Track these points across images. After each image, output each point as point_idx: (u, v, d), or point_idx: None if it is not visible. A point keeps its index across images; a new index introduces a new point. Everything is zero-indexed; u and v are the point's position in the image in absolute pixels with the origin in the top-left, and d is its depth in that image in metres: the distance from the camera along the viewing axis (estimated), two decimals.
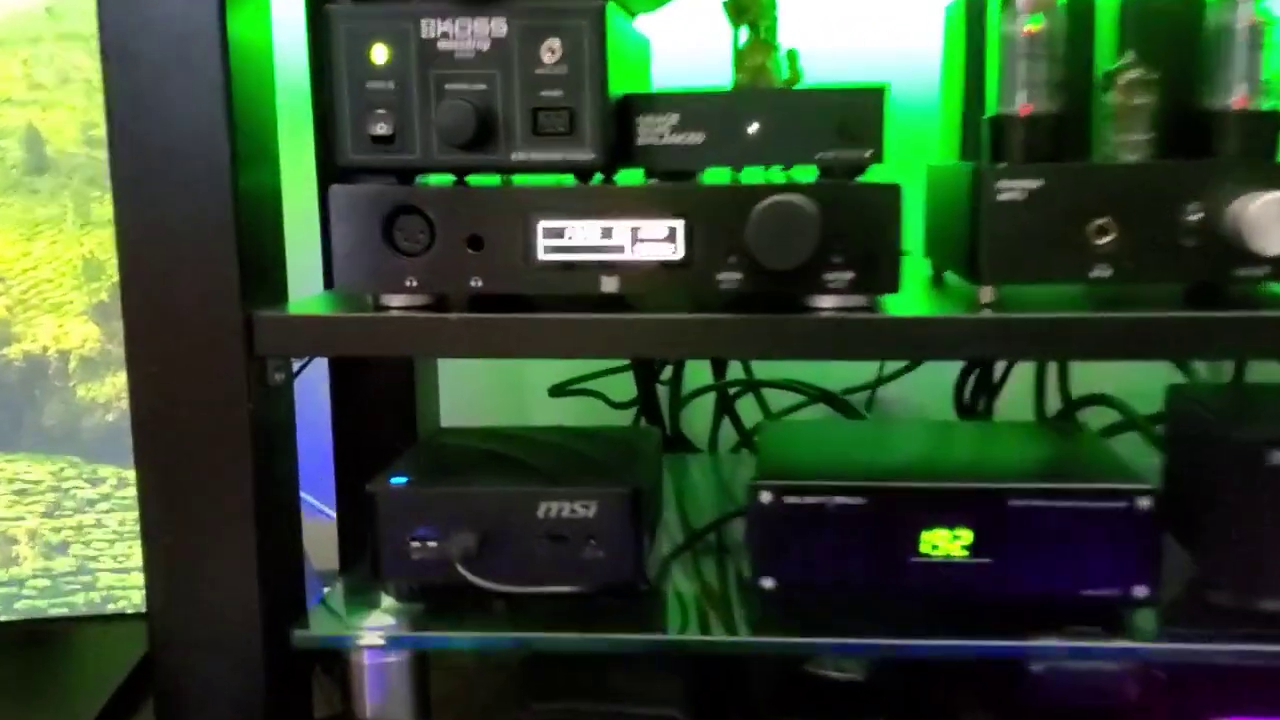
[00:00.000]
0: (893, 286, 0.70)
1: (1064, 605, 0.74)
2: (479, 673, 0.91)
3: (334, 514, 1.07)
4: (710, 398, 1.17)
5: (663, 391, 1.17)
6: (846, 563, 0.75)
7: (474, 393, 1.24)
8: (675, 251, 0.70)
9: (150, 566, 0.76)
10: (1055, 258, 0.70)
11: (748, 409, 1.17)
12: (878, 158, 0.70)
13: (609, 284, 0.71)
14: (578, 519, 0.75)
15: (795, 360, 0.70)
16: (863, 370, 1.15)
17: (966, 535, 0.74)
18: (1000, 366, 1.11)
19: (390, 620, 0.78)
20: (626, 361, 1.15)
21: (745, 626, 0.76)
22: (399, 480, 0.78)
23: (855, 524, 0.74)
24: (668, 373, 1.16)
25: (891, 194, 0.69)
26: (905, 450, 0.88)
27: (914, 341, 0.69)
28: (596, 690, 0.82)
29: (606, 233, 0.71)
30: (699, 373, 1.16)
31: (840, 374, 1.15)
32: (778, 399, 1.16)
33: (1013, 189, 0.69)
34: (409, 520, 0.76)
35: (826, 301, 0.71)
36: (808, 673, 0.85)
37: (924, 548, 0.74)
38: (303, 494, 1.23)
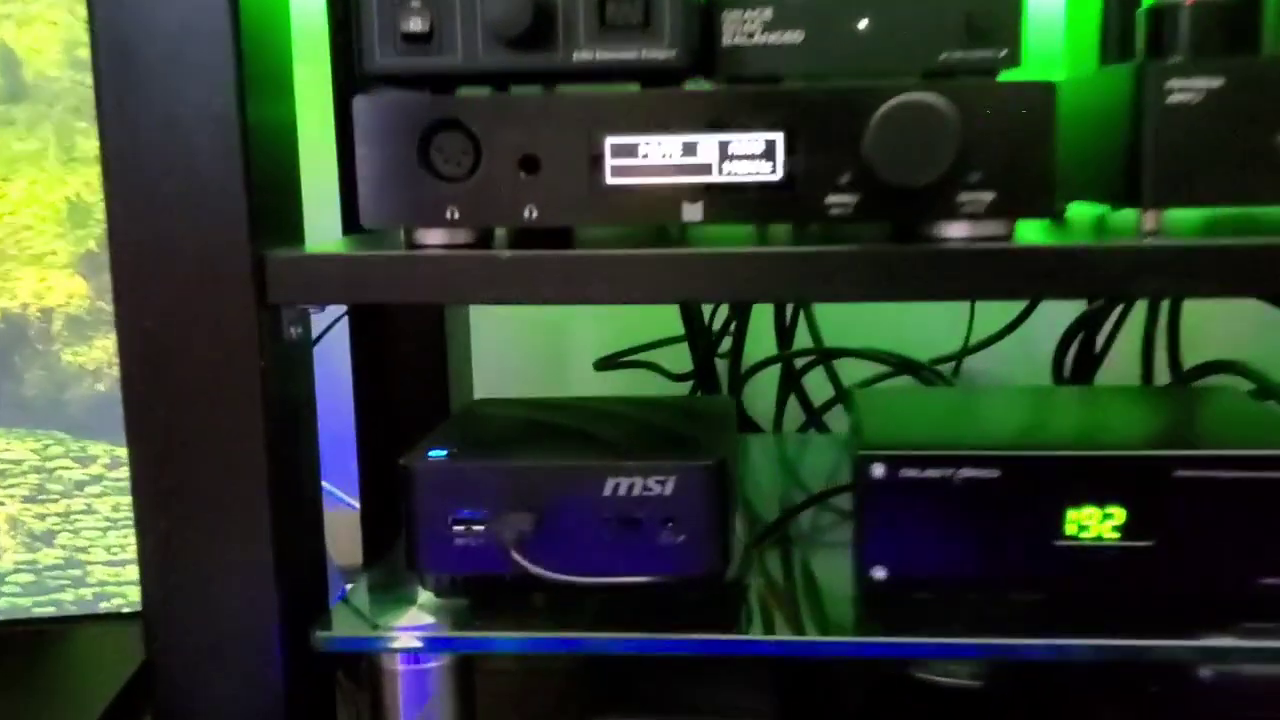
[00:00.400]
0: (1044, 209, 0.57)
1: (1238, 598, 0.62)
2: (530, 680, 0.79)
3: (357, 504, 0.95)
4: (774, 373, 1.05)
5: (721, 366, 1.05)
6: (974, 548, 0.63)
7: (507, 368, 1.12)
8: (774, 170, 0.58)
9: (145, 559, 0.64)
10: (1237, 174, 0.57)
11: (816, 384, 1.05)
12: (1014, 60, 0.58)
13: (692, 211, 0.59)
14: (651, 497, 0.63)
15: (922, 301, 0.57)
16: (940, 339, 1.02)
17: (1119, 514, 0.61)
18: (1105, 332, 0.99)
19: (428, 619, 0.66)
20: (680, 331, 1.03)
21: (845, 626, 0.64)
22: (438, 453, 0.65)
23: (986, 501, 0.62)
24: (726, 344, 1.03)
25: (1045, 96, 0.56)
26: (1030, 418, 0.75)
27: (1082, 274, 0.56)
28: (668, 701, 0.69)
29: (689, 149, 0.59)
30: (759, 342, 1.04)
31: (916, 343, 1.02)
32: (851, 372, 1.03)
33: (1187, 90, 0.57)
34: (451, 499, 0.64)
35: (955, 230, 0.58)
36: (915, 679, 0.72)
37: (1069, 529, 0.62)
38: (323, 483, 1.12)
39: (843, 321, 1.03)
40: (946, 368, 1.03)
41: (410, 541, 0.65)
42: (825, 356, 1.02)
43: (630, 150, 0.59)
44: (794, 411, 1.06)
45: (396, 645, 0.64)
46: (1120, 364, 1.00)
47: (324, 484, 1.13)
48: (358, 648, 0.65)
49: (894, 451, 0.62)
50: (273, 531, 0.63)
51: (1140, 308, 0.99)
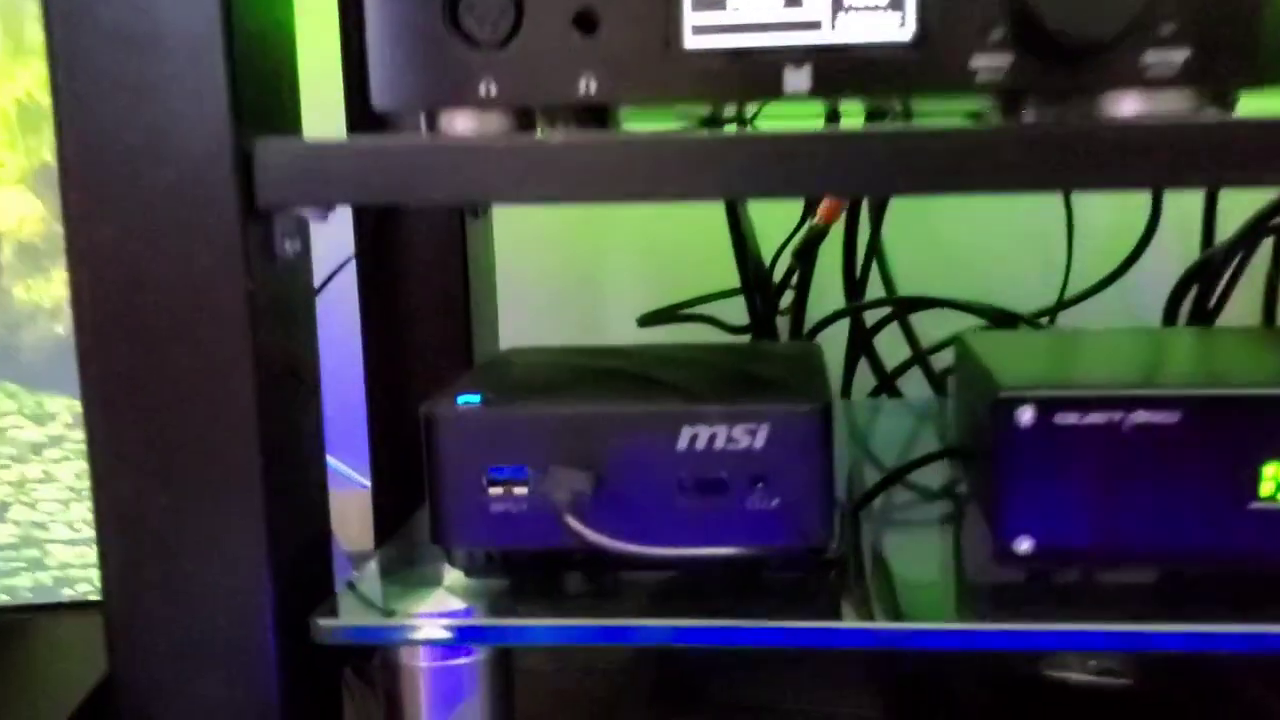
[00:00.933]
0: (1249, 75, 0.45)
1: None
2: (582, 683, 0.66)
3: (367, 482, 0.83)
4: (841, 331, 0.92)
5: (781, 325, 0.92)
6: (1145, 513, 0.50)
7: (537, 327, 0.99)
8: (903, 26, 0.45)
9: (104, 535, 0.52)
10: None
11: (887, 345, 0.92)
12: None
13: (796, 80, 0.46)
14: (738, 452, 0.50)
15: (1104, 189, 0.44)
16: (1026, 292, 0.90)
17: None
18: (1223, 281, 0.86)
19: (457, 604, 0.53)
20: (732, 283, 0.90)
21: (972, 611, 0.51)
22: (469, 399, 0.53)
23: (1163, 454, 0.49)
24: (787, 299, 0.90)
25: None
26: (1194, 358, 0.62)
27: None
28: (753, 706, 0.56)
29: (793, 0, 0.46)
30: (825, 296, 0.91)
31: (999, 296, 0.89)
32: (928, 331, 0.90)
33: None
34: (486, 454, 0.51)
35: (1129, 106, 0.46)
36: (1046, 677, 0.60)
37: (1265, 489, 0.49)
38: (331, 458, 0.99)
39: (914, 274, 0.91)
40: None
41: (434, 509, 0.52)
42: (905, 308, 0.89)
43: (716, 2, 0.46)
44: (862, 378, 0.93)
45: (418, 636, 0.51)
46: (1238, 319, 0.88)
47: (333, 460, 1.01)
48: (369, 639, 0.52)
49: (1047, 392, 0.50)
50: (264, 499, 0.51)
51: (1264, 253, 0.86)
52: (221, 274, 0.49)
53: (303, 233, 0.54)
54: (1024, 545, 0.50)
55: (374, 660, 0.57)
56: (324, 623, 0.52)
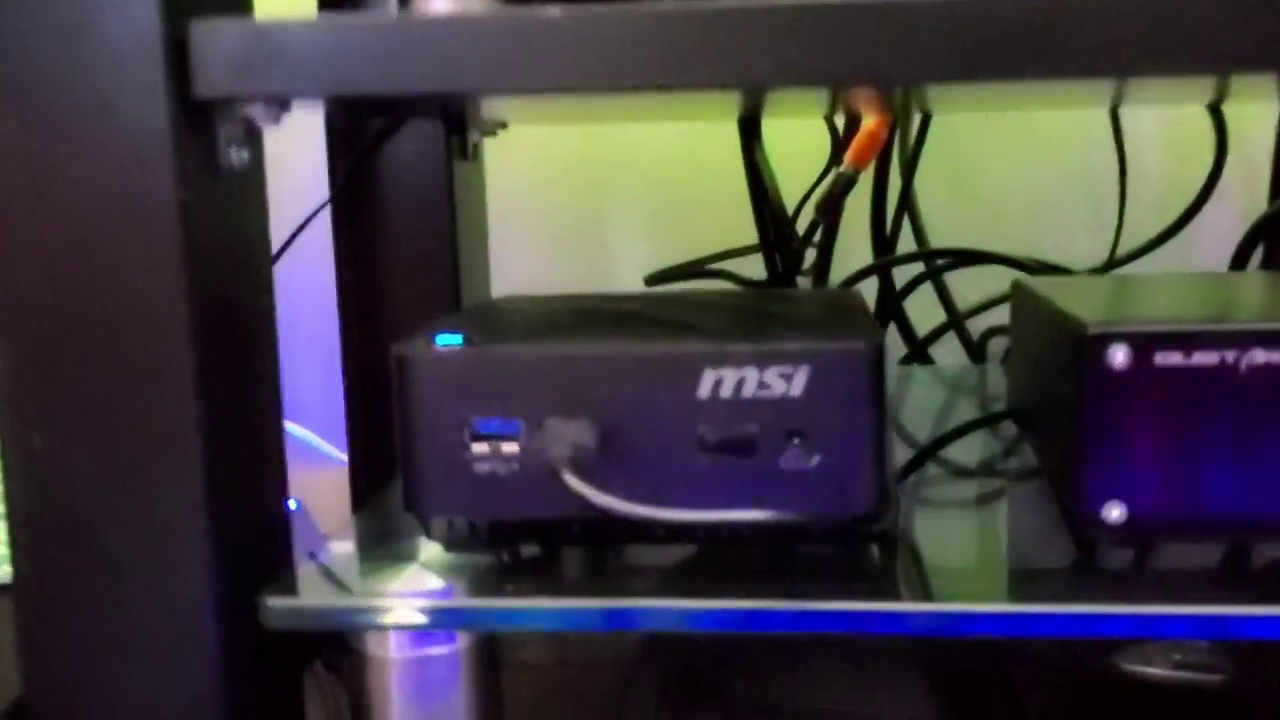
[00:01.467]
0: None
1: None
2: (582, 675, 0.57)
3: (345, 457, 0.75)
4: (868, 293, 0.83)
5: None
6: (1261, 473, 0.41)
7: (527, 282, 0.90)
8: None
9: (13, 501, 0.43)
10: None
11: (919, 312, 0.83)
12: None
13: None
14: (771, 400, 0.42)
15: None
16: (1075, 249, 0.81)
17: None
18: None
19: (435, 582, 0.44)
20: (754, 240, 0.81)
21: (1040, 592, 0.43)
22: (449, 339, 0.44)
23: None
24: (810, 258, 0.82)
25: None
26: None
27: None
28: (781, 703, 0.48)
29: None
30: (847, 254, 0.82)
31: (1040, 250, 0.81)
32: (964, 293, 0.82)
33: None
34: (470, 404, 0.43)
35: None
36: (1123, 672, 0.51)
37: None
38: (301, 429, 0.91)
39: (950, 229, 0.82)
40: None
41: (408, 471, 0.44)
42: (947, 261, 0.80)
43: None
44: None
45: (388, 619, 0.43)
46: None
47: (307, 434, 0.93)
48: (329, 623, 0.43)
49: (1145, 328, 0.41)
50: (203, 460, 0.42)
51: None
52: (150, 184, 0.41)
53: (254, 143, 0.45)
54: (1114, 513, 0.42)
55: (345, 654, 0.48)
56: (275, 603, 0.43)
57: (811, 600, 0.41)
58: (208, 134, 0.42)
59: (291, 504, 0.73)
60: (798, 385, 0.42)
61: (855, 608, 0.41)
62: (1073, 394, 0.42)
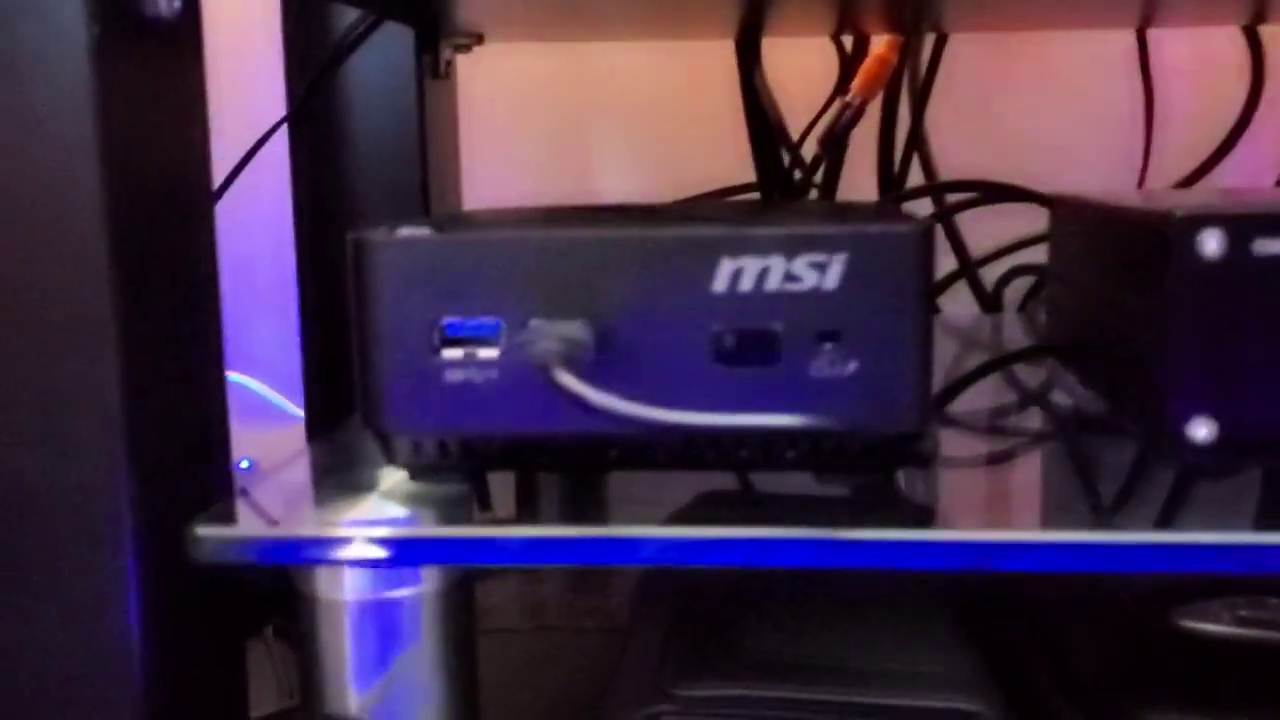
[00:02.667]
0: None
1: None
2: (568, 643, 0.50)
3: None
4: None
5: None
6: None
7: None
8: None
9: None
10: None
11: None
12: None
13: None
14: (801, 294, 0.35)
15: None
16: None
17: None
18: None
19: (397, 511, 0.38)
20: (751, 177, 0.75)
21: (1091, 522, 0.36)
22: (414, 230, 0.37)
23: None
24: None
25: None
26: None
27: None
28: (803, 659, 0.41)
29: None
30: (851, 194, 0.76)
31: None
32: (975, 239, 0.76)
33: None
34: (439, 301, 0.36)
35: None
36: (1180, 628, 0.45)
37: None
38: (256, 383, 0.84)
39: (963, 168, 0.76)
40: None
41: (366, 382, 0.37)
42: (946, 194, 0.74)
43: None
44: None
45: (340, 553, 0.36)
46: None
47: (266, 390, 0.86)
48: (270, 558, 0.36)
49: (1244, 209, 0.35)
50: (120, 363, 0.35)
51: None
52: (55, 24, 0.34)
53: None
54: (1202, 431, 0.36)
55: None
56: (205, 533, 0.36)
57: (840, 529, 0.35)
58: None
59: (245, 463, 0.66)
60: (832, 276, 0.35)
61: (887, 537, 0.35)
62: (1153, 294, 0.36)
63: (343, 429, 0.49)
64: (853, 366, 0.35)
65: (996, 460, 0.45)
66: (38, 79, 0.34)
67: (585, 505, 0.39)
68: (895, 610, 0.44)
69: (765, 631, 0.42)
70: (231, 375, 0.74)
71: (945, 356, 0.64)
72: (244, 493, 0.41)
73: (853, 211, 0.41)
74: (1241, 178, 0.72)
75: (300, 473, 0.43)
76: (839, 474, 0.38)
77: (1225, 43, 0.71)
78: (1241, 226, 0.35)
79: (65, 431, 0.36)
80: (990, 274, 0.76)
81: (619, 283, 0.36)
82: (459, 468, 0.38)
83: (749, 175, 0.74)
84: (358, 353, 0.37)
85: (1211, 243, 0.35)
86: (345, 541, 0.35)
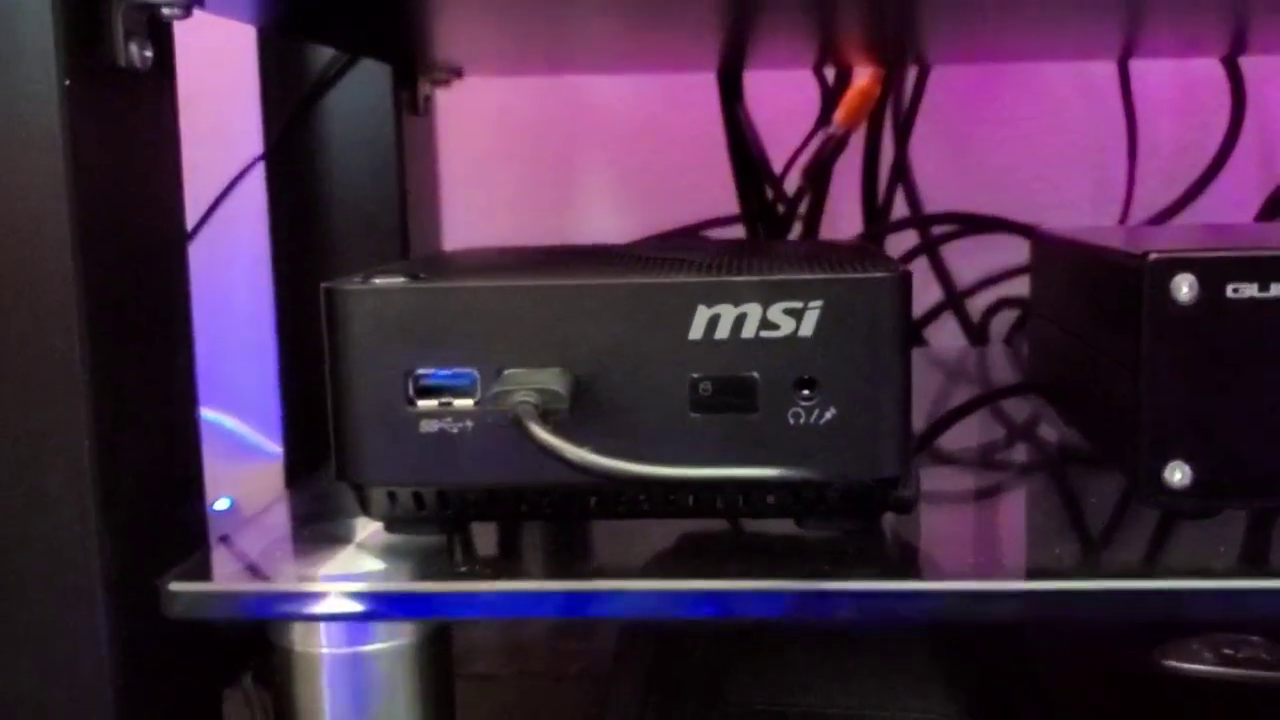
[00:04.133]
0: None
1: None
2: (550, 690, 0.50)
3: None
4: None
5: None
6: None
7: None
8: None
9: None
10: None
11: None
12: None
13: None
14: (778, 341, 0.35)
15: None
16: (1080, 221, 0.75)
17: None
18: None
19: (372, 565, 0.37)
20: (734, 209, 0.75)
21: (1074, 569, 0.36)
22: (389, 280, 0.37)
23: None
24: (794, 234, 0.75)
25: None
26: None
27: None
28: (785, 706, 0.41)
29: None
30: (835, 224, 0.76)
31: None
32: (960, 269, 0.75)
33: None
34: (414, 351, 0.36)
35: None
36: (1163, 667, 0.45)
37: None
38: (234, 421, 0.83)
39: (946, 199, 0.76)
40: None
41: (341, 433, 0.37)
42: (932, 227, 0.74)
43: None
44: None
45: (315, 608, 0.36)
46: None
47: (242, 426, 0.85)
48: (246, 612, 0.36)
49: (1215, 254, 0.35)
50: (92, 415, 0.35)
51: None
52: (26, 76, 0.34)
53: (159, 39, 0.38)
54: (1178, 475, 0.36)
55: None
56: (178, 589, 0.36)
57: (820, 580, 0.35)
58: (99, 21, 0.35)
59: (224, 502, 0.66)
60: (809, 324, 0.35)
61: (869, 587, 0.35)
62: (1128, 337, 0.36)
63: (321, 472, 0.48)
64: (831, 414, 0.35)
65: (981, 500, 0.45)
66: (8, 130, 0.34)
67: (566, 552, 0.39)
68: (878, 652, 0.44)
69: (747, 679, 0.42)
70: (210, 413, 0.74)
71: (932, 391, 0.64)
72: (224, 539, 0.41)
73: (831, 254, 0.41)
74: (1224, 207, 0.72)
75: (276, 520, 0.43)
76: (820, 521, 0.38)
77: (1206, 74, 0.71)
78: (1215, 270, 0.35)
79: (36, 484, 0.35)
80: (978, 304, 0.76)
81: (594, 331, 0.35)
82: (435, 519, 0.38)
83: (733, 208, 0.74)
84: (331, 403, 0.37)
85: (1184, 287, 0.35)
86: (320, 596, 0.35)
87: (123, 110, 0.37)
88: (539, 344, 0.36)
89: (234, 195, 0.65)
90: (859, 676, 0.42)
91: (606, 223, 0.80)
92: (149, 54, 0.37)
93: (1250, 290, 0.35)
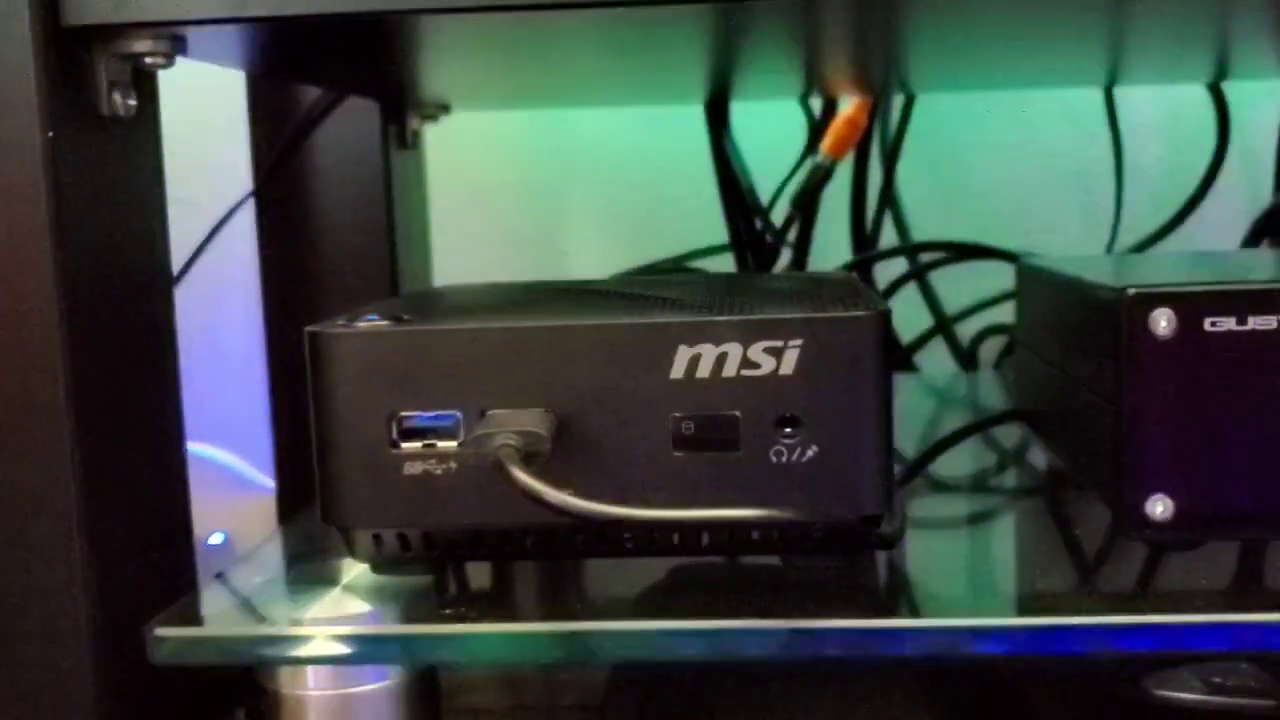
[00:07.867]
0: None
1: None
2: (532, 713, 0.50)
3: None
4: None
5: None
6: None
7: None
8: None
9: None
10: None
11: (902, 318, 0.77)
12: None
13: None
14: (758, 380, 0.35)
15: None
16: (1068, 244, 0.75)
17: None
18: None
19: (359, 608, 0.37)
20: (723, 239, 0.75)
21: (1062, 603, 0.36)
22: (372, 323, 0.37)
23: None
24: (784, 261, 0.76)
25: None
26: None
27: None
28: None
29: None
30: (824, 250, 0.76)
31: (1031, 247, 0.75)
32: (949, 296, 0.75)
33: None
34: (398, 394, 0.36)
35: None
36: (1152, 697, 0.45)
37: None
38: (226, 455, 0.83)
39: (934, 226, 0.76)
40: None
41: (326, 476, 0.37)
42: (920, 255, 0.74)
43: None
44: None
45: (302, 652, 0.36)
46: None
47: (236, 461, 0.85)
48: (234, 656, 0.36)
49: (1192, 289, 0.35)
50: (78, 467, 0.35)
51: None
52: (9, 126, 0.34)
53: (143, 88, 0.38)
54: (1159, 508, 0.36)
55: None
56: (164, 634, 0.36)
57: (807, 619, 0.35)
58: (81, 70, 0.35)
59: (218, 537, 0.66)
60: (790, 362, 0.35)
61: (858, 625, 0.35)
62: (1108, 371, 0.36)
63: (312, 508, 0.48)
64: (813, 451, 0.35)
65: (970, 531, 0.46)
66: None
67: (554, 586, 0.39)
68: (869, 684, 0.44)
69: (739, 709, 0.42)
70: (204, 448, 0.74)
71: (921, 417, 0.64)
72: (214, 578, 0.41)
73: (814, 290, 0.41)
74: (1210, 231, 0.73)
75: (266, 561, 0.43)
76: (804, 558, 0.38)
77: (1191, 101, 0.71)
78: (1193, 305, 0.35)
79: (21, 532, 0.36)
80: (970, 329, 0.76)
81: (576, 372, 0.36)
82: (421, 560, 0.38)
83: (721, 237, 0.74)
84: (316, 446, 0.37)
85: (1163, 321, 0.35)
86: (304, 640, 0.35)
87: (106, 158, 0.37)
88: (521, 385, 0.36)
89: (225, 231, 0.65)
90: (850, 708, 0.42)
91: (596, 253, 0.80)
92: (133, 102, 0.37)
93: (1229, 324, 0.35)
